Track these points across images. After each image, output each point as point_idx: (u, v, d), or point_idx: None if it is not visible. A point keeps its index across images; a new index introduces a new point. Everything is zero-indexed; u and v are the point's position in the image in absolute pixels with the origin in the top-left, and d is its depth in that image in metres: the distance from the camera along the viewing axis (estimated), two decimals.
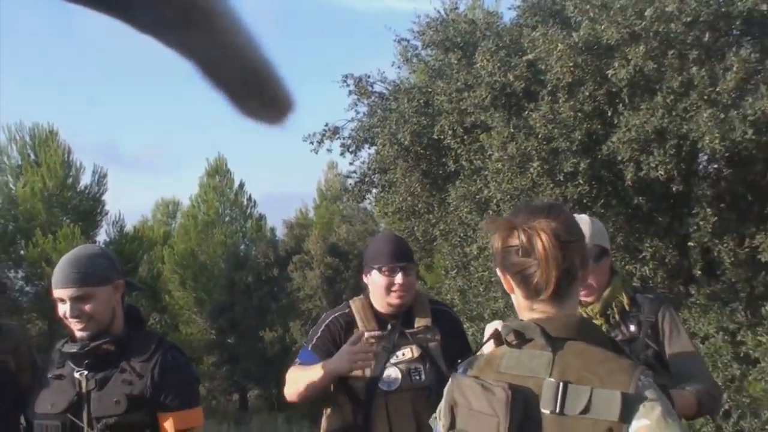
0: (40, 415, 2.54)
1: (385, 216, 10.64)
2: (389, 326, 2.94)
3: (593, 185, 7.62)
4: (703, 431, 6.50)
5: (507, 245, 1.68)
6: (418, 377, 2.88)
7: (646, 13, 6.95)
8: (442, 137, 9.21)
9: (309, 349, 3.04)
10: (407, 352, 2.90)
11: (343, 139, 10.70)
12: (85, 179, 19.89)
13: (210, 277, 20.99)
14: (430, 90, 9.65)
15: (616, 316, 2.94)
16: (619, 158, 7.30)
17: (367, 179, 10.68)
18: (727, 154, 6.67)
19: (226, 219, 22.23)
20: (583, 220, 2.80)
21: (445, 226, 9.31)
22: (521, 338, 1.66)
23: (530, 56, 7.96)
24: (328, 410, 3.00)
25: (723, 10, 6.92)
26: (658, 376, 2.74)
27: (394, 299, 2.93)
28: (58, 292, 2.52)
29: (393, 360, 2.90)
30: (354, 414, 2.89)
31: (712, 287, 7.03)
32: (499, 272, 1.75)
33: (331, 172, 20.75)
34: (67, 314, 2.50)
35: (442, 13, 10.01)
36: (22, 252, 18.58)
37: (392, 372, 2.88)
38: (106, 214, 20.10)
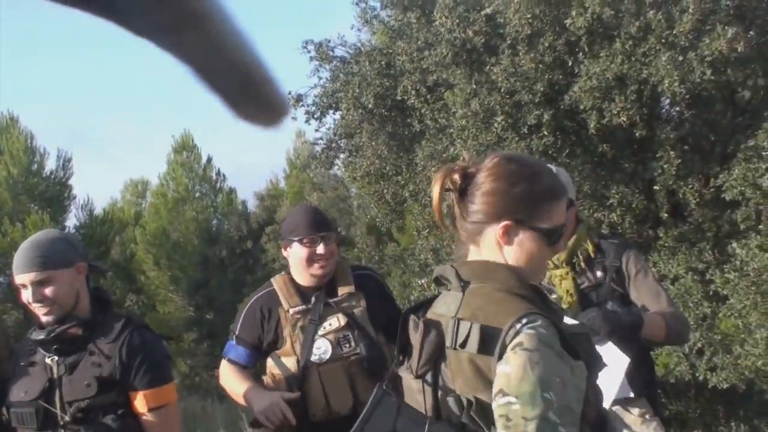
0: (14, 404, 2.54)
1: (354, 180, 10.60)
2: (313, 299, 2.95)
3: (558, 136, 7.64)
4: (677, 369, 6.63)
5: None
6: (348, 345, 2.92)
7: None
8: (405, 98, 9.15)
9: (234, 342, 3.09)
10: (334, 322, 2.94)
11: (307, 106, 10.60)
12: (50, 164, 19.58)
13: (184, 254, 20.85)
14: (391, 51, 9.57)
15: (582, 264, 2.99)
16: (582, 107, 7.30)
17: (333, 145, 10.64)
18: (687, 96, 6.70)
19: (197, 195, 21.99)
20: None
21: (414, 187, 9.30)
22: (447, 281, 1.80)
23: (488, 10, 7.92)
24: (266, 382, 3.05)
25: None
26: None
27: (316, 270, 2.96)
28: (19, 278, 2.51)
29: (321, 332, 2.93)
30: (290, 389, 2.93)
31: (679, 229, 7.12)
32: None
33: (300, 140, 20.62)
34: (30, 299, 2.49)
35: None
36: None
37: (322, 344, 2.91)
38: (74, 198, 19.82)
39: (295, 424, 2.82)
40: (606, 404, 2.17)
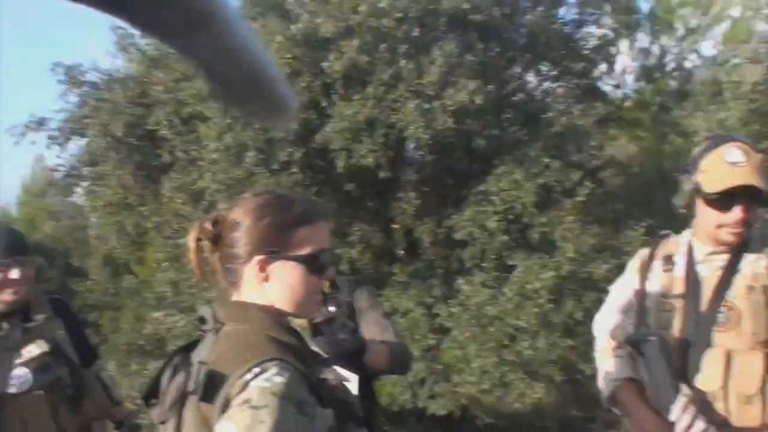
0: None
1: (95, 210, 10.07)
2: (4, 325, 2.80)
3: (307, 173, 7.84)
4: (401, 398, 6.87)
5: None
6: (48, 372, 2.78)
7: (360, 9, 7.37)
8: (158, 128, 8.96)
9: None
10: (33, 349, 2.79)
11: (51, 130, 10.02)
12: None
13: None
14: (147, 80, 9.38)
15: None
16: (332, 147, 7.59)
17: (75, 172, 10.09)
18: (430, 142, 7.22)
19: None
20: None
21: (158, 218, 9.03)
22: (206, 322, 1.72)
23: None
24: None
25: (431, 7, 7.56)
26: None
27: (9, 295, 2.79)
28: None
29: (19, 360, 2.75)
30: None
31: (413, 265, 7.51)
32: None
33: (39, 166, 19.31)
34: None
35: None
36: None
37: (20, 372, 2.74)
38: None
39: None
40: None
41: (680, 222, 2.53)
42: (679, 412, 2.19)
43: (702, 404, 2.23)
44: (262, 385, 1.49)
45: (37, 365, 2.72)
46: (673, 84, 10.08)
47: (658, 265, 2.49)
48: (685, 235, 2.51)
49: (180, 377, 1.63)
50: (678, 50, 10.31)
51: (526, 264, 6.86)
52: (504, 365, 6.59)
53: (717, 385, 2.26)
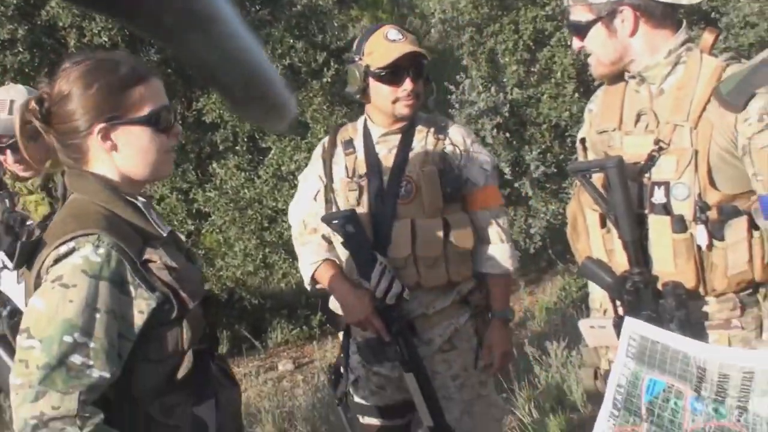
0: None
1: None
2: None
3: (35, 53, 7.17)
4: None
5: None
6: None
7: None
8: None
9: None
10: None
11: None
12: None
13: None
14: None
15: (60, 188, 2.99)
16: (61, 24, 7.00)
17: None
18: None
19: None
20: (16, 90, 2.89)
21: None
22: None
23: None
24: None
25: None
26: None
27: None
28: None
29: None
30: None
31: None
32: None
33: None
34: None
35: None
36: None
37: None
38: None
39: None
40: None
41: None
42: (377, 278, 2.49)
43: (396, 270, 2.53)
44: (75, 262, 1.50)
45: None
46: None
47: (340, 150, 2.71)
48: (361, 120, 2.76)
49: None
50: None
51: (278, 146, 6.99)
52: (266, 247, 6.84)
53: (407, 251, 2.56)
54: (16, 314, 2.41)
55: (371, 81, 2.60)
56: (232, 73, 0.48)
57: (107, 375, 1.48)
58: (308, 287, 2.77)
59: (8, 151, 2.77)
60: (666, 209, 1.92)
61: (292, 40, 7.16)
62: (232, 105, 0.53)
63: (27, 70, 7.25)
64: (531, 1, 6.93)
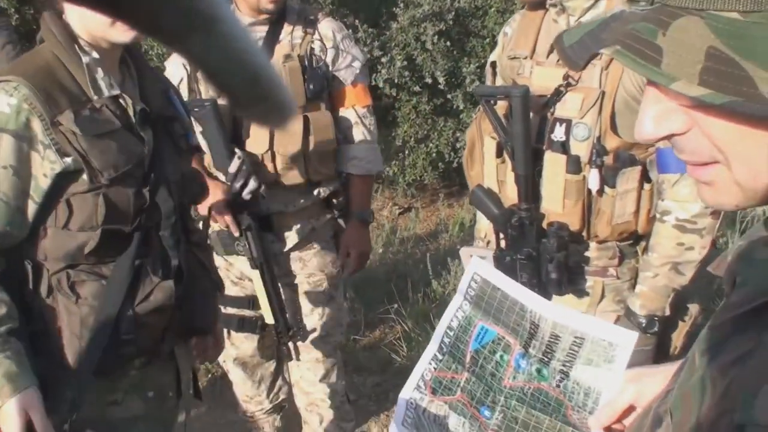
0: None
1: None
2: None
3: None
4: None
5: None
6: None
7: None
8: None
9: None
10: None
11: None
12: None
13: None
14: None
15: None
16: None
17: None
18: None
19: None
20: None
21: None
22: None
23: None
24: None
25: None
26: None
27: None
28: None
29: None
30: None
31: None
32: None
33: None
34: None
35: None
36: None
37: None
38: None
39: None
40: None
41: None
42: (234, 172, 2.43)
43: (253, 165, 2.47)
44: None
45: None
46: None
47: None
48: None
49: None
50: None
51: None
52: None
53: (264, 147, 2.50)
54: None
55: None
56: (236, 74, 0.47)
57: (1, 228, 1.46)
58: None
59: None
60: (563, 148, 1.87)
61: None
62: (236, 105, 0.47)
63: None
64: None
